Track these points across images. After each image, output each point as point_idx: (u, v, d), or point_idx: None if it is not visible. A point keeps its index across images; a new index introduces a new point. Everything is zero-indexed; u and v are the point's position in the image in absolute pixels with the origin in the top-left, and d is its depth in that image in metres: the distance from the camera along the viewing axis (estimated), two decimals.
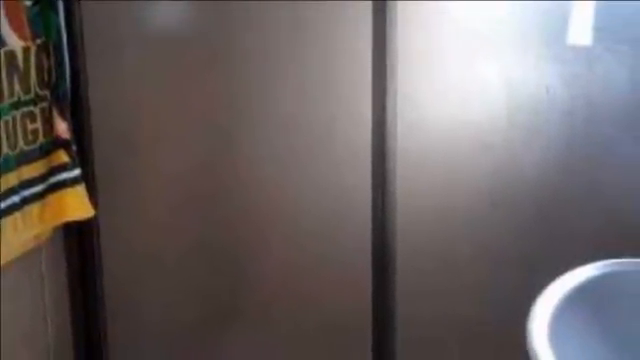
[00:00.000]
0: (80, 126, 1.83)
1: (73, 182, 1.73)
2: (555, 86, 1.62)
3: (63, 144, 1.72)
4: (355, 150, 1.74)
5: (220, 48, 1.79)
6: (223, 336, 1.93)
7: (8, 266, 1.63)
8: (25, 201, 1.64)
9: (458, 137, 1.69)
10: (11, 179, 1.60)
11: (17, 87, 1.61)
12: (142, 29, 1.83)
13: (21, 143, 1.63)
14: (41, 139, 1.69)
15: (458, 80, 1.67)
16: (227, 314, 1.92)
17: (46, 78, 1.69)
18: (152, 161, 1.89)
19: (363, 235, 1.75)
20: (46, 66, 1.69)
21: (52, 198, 1.71)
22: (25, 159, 1.64)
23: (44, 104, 1.69)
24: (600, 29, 1.57)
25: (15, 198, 1.61)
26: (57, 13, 1.71)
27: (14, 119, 1.61)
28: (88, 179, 1.82)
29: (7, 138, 1.58)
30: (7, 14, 1.56)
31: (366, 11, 1.65)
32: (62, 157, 1.72)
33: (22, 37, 1.61)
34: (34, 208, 1.68)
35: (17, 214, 1.62)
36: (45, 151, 1.70)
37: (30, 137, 1.65)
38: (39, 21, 1.66)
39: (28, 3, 1.63)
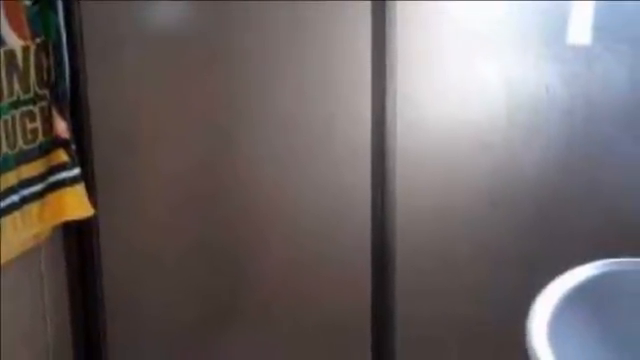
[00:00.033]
0: (79, 125, 1.83)
1: (72, 181, 1.73)
2: (555, 85, 1.62)
3: (62, 143, 1.72)
4: (355, 149, 1.74)
5: (219, 48, 1.79)
6: (223, 336, 1.93)
7: (7, 265, 1.63)
8: (24, 200, 1.64)
9: (458, 136, 1.69)
10: (10, 178, 1.59)
11: (16, 86, 1.61)
12: (141, 29, 1.83)
13: (20, 142, 1.63)
14: (40, 138, 1.68)
15: (458, 79, 1.67)
16: (227, 314, 1.92)
17: (45, 77, 1.69)
18: (151, 161, 1.89)
19: (363, 234, 1.75)
20: (45, 65, 1.69)
21: (51, 197, 1.71)
22: (24, 158, 1.64)
23: (43, 103, 1.69)
24: (599, 28, 1.57)
25: (14, 197, 1.61)
26: (56, 12, 1.71)
27: (13, 118, 1.61)
28: (87, 178, 1.82)
29: (6, 137, 1.58)
30: (7, 13, 1.56)
31: (365, 11, 1.65)
32: (61, 156, 1.72)
33: (21, 36, 1.61)
34: (33, 207, 1.68)
35: (16, 213, 1.62)
36: (44, 150, 1.70)
37: (29, 136, 1.65)
38: (38, 20, 1.66)
39: (27, 2, 1.63)
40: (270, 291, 1.88)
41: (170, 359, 1.97)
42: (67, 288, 1.92)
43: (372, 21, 1.65)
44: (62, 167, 1.72)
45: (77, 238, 1.91)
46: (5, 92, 1.57)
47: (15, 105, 1.61)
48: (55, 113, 1.70)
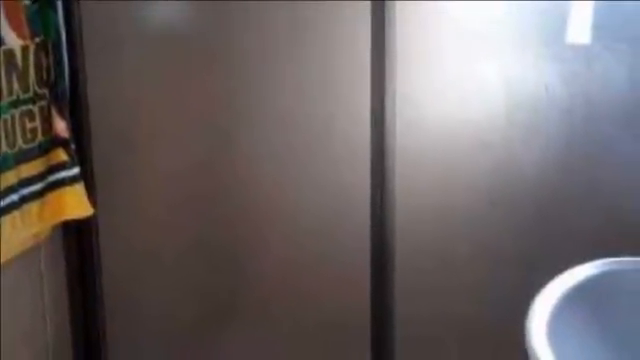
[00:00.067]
0: (79, 125, 1.83)
1: (72, 181, 1.73)
2: (554, 84, 1.62)
3: (62, 143, 1.72)
4: (354, 149, 1.74)
5: (219, 47, 1.79)
6: (222, 334, 1.93)
7: (7, 264, 1.63)
8: (24, 200, 1.64)
9: (457, 136, 1.69)
10: (10, 178, 1.59)
11: (16, 86, 1.61)
12: (141, 28, 1.83)
13: (20, 142, 1.63)
14: (40, 137, 1.68)
15: (457, 79, 1.68)
16: (226, 312, 1.92)
17: (45, 77, 1.69)
18: (151, 159, 1.89)
19: (362, 233, 1.76)
20: (45, 65, 1.69)
21: (51, 196, 1.71)
22: (24, 158, 1.64)
23: (43, 103, 1.69)
24: (599, 27, 1.58)
25: (14, 197, 1.61)
26: (56, 12, 1.71)
27: (13, 118, 1.60)
28: (87, 177, 1.82)
29: (6, 137, 1.58)
30: (6, 13, 1.56)
31: (365, 11, 1.65)
32: (61, 156, 1.72)
33: (21, 36, 1.61)
34: (33, 206, 1.67)
35: (16, 213, 1.61)
36: (44, 150, 1.70)
37: (29, 136, 1.65)
38: (38, 20, 1.66)
39: (27, 2, 1.62)
40: (269, 290, 1.88)
41: (169, 358, 1.97)
42: (67, 287, 1.92)
43: (372, 21, 1.65)
44: (61, 166, 1.72)
45: (76, 237, 1.91)
46: (4, 91, 1.57)
47: (14, 104, 1.61)
48: (54, 112, 1.70)
